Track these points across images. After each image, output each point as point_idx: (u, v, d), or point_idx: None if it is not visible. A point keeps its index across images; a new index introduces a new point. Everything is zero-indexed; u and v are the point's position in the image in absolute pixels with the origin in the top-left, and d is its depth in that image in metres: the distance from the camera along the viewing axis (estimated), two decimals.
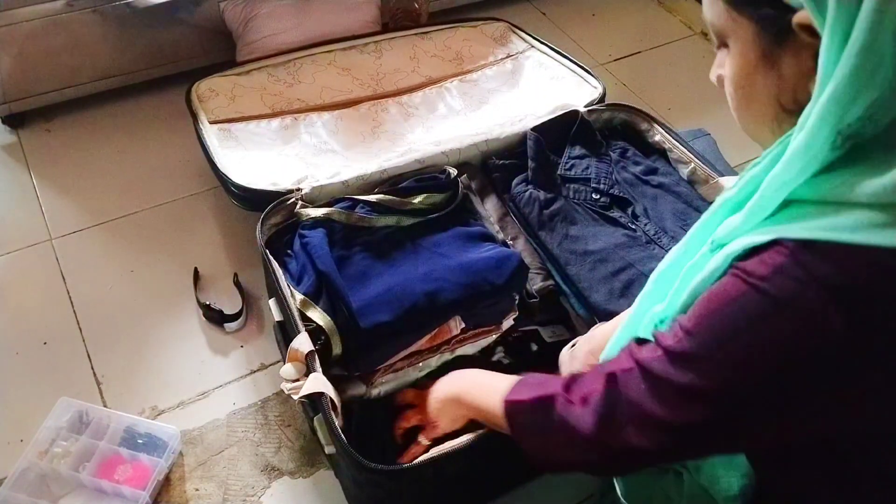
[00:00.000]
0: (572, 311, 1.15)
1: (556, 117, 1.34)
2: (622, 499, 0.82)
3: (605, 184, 1.25)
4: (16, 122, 1.61)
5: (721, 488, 0.70)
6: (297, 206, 1.16)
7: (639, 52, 2.04)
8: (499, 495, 1.12)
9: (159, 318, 1.32)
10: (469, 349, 1.11)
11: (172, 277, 1.37)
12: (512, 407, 0.74)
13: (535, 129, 1.30)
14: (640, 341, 0.63)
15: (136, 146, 1.61)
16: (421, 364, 1.07)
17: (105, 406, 1.19)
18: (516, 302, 1.13)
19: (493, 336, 1.11)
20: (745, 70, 0.56)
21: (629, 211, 1.23)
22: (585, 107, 1.38)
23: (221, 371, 1.26)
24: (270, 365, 1.27)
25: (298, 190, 1.19)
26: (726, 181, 1.25)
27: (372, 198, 1.16)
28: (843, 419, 0.53)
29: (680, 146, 1.31)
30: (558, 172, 1.27)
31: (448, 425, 0.91)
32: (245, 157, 1.33)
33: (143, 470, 1.09)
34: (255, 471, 1.13)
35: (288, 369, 0.95)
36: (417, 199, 1.18)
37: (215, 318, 1.30)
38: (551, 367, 1.20)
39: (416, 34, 1.63)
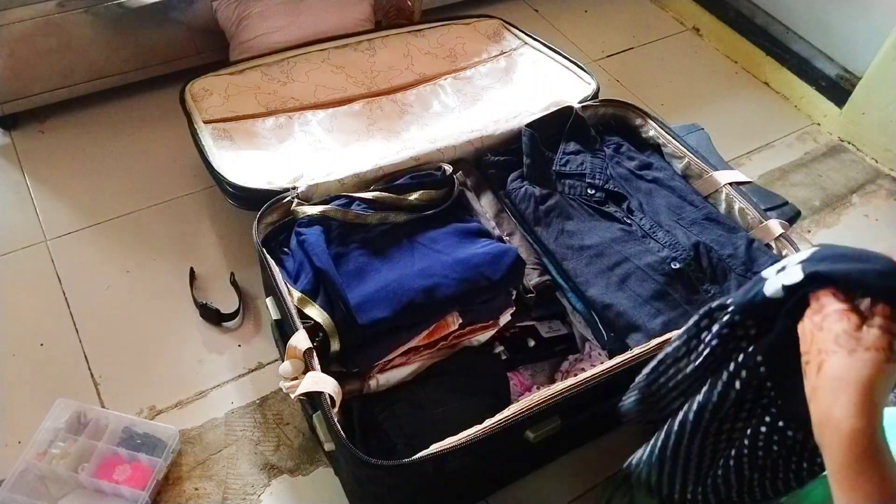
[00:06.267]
0: (569, 305, 1.16)
1: (550, 113, 1.34)
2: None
3: (600, 179, 1.26)
4: (9, 123, 1.60)
5: None
6: (294, 205, 1.16)
7: (631, 49, 2.04)
8: (499, 489, 1.13)
9: (156, 319, 1.32)
10: (468, 345, 1.11)
11: (168, 277, 1.37)
12: None
13: (529, 125, 1.31)
14: None
15: (131, 146, 1.60)
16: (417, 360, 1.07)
17: (103, 406, 1.19)
18: (513, 297, 1.13)
19: (491, 331, 1.11)
20: None
21: (624, 206, 1.23)
22: (579, 103, 1.38)
23: (219, 370, 1.26)
24: (268, 364, 1.27)
25: (294, 188, 1.19)
26: (720, 175, 1.26)
27: (368, 195, 1.16)
28: None
29: (674, 141, 1.32)
30: (553, 168, 1.28)
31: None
32: (240, 156, 1.33)
33: (142, 470, 1.09)
34: (255, 469, 1.14)
35: (286, 367, 0.95)
36: (413, 196, 1.18)
37: (212, 317, 1.30)
38: (548, 361, 1.21)
39: (409, 32, 1.63)
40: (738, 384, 0.70)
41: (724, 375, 0.71)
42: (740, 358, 0.70)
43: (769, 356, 0.68)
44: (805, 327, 0.63)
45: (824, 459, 0.57)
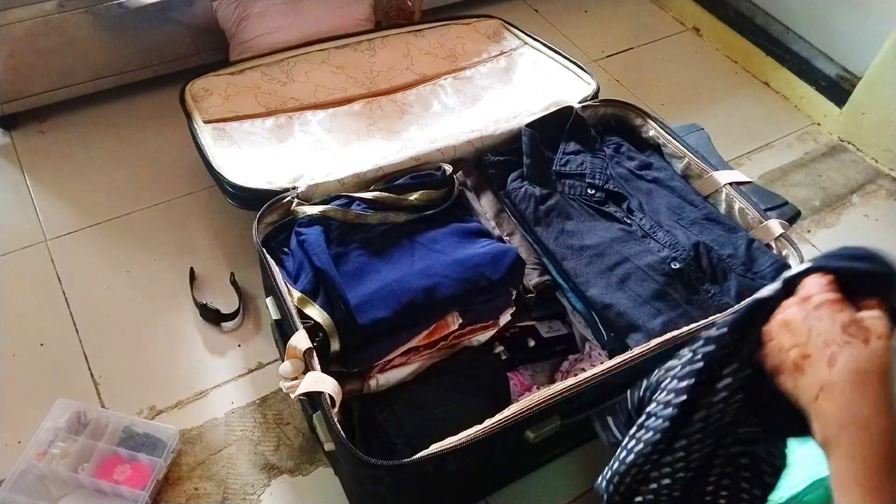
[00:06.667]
0: (569, 305, 1.16)
1: (550, 113, 1.34)
2: None
3: (600, 179, 1.26)
4: (9, 123, 1.60)
5: None
6: (294, 205, 1.16)
7: (631, 49, 2.04)
8: (498, 490, 1.13)
9: (156, 319, 1.32)
10: (468, 345, 1.11)
11: (168, 277, 1.37)
12: None
13: (529, 125, 1.31)
14: None
15: (131, 146, 1.60)
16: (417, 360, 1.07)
17: (103, 406, 1.19)
18: (513, 297, 1.13)
19: (491, 331, 1.11)
20: None
21: (624, 206, 1.23)
22: (579, 103, 1.38)
23: (219, 370, 1.26)
24: (268, 364, 1.27)
25: (294, 188, 1.19)
26: (720, 175, 1.26)
27: (368, 195, 1.16)
28: None
29: (674, 141, 1.32)
30: (553, 168, 1.28)
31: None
32: (240, 155, 1.33)
33: (142, 470, 1.09)
34: (255, 469, 1.14)
35: (286, 367, 0.95)
36: (413, 196, 1.18)
37: (212, 317, 1.30)
38: (548, 361, 1.21)
39: (409, 32, 1.63)
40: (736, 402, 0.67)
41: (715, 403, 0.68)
42: (729, 381, 0.66)
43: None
44: (794, 316, 0.57)
45: (838, 464, 0.52)
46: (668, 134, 1.33)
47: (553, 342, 1.20)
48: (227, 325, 1.31)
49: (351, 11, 1.65)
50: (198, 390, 1.23)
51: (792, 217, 1.24)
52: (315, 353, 0.96)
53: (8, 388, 1.21)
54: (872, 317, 0.55)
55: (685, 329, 1.01)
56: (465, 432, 0.89)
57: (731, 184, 1.24)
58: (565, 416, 0.96)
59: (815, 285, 0.58)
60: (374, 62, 1.56)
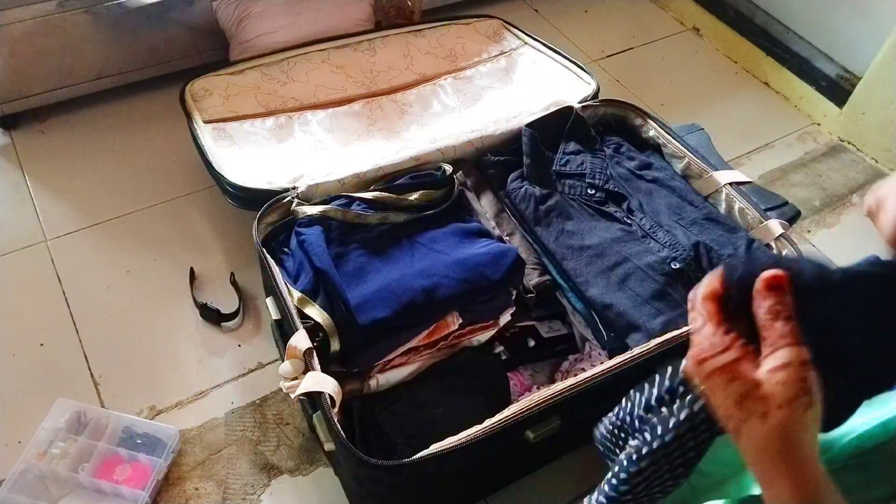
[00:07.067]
0: (569, 305, 1.16)
1: (550, 113, 1.34)
2: None
3: (600, 179, 1.26)
4: (9, 123, 1.60)
5: None
6: (294, 205, 1.16)
7: (631, 49, 2.04)
8: (499, 489, 1.13)
9: (156, 319, 1.32)
10: (468, 345, 1.11)
11: (169, 277, 1.37)
12: None
13: (529, 125, 1.31)
14: None
15: (131, 146, 1.60)
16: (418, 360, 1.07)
17: (103, 406, 1.19)
18: (513, 297, 1.13)
19: (491, 331, 1.11)
20: None
21: (624, 206, 1.23)
22: (579, 103, 1.38)
23: (219, 370, 1.26)
24: (268, 364, 1.27)
25: (294, 188, 1.19)
26: (720, 175, 1.26)
27: (368, 195, 1.16)
28: None
29: (674, 141, 1.32)
30: (553, 168, 1.28)
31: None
32: (240, 155, 1.33)
33: (141, 470, 1.09)
34: (255, 469, 1.14)
35: (286, 367, 0.95)
36: (413, 196, 1.18)
37: (212, 317, 1.30)
38: (548, 361, 1.21)
39: (409, 32, 1.63)
40: None
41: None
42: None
43: None
44: (695, 374, 0.50)
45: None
46: (668, 134, 1.33)
47: (553, 342, 1.20)
48: (227, 325, 1.31)
49: (351, 11, 1.65)
50: (198, 390, 1.23)
51: (792, 217, 1.24)
52: (315, 353, 0.96)
53: (8, 388, 1.21)
54: (773, 381, 0.46)
55: (685, 329, 1.01)
56: (465, 432, 0.89)
57: (731, 184, 1.24)
58: (565, 416, 0.96)
59: (699, 315, 0.51)
60: (374, 62, 1.56)
